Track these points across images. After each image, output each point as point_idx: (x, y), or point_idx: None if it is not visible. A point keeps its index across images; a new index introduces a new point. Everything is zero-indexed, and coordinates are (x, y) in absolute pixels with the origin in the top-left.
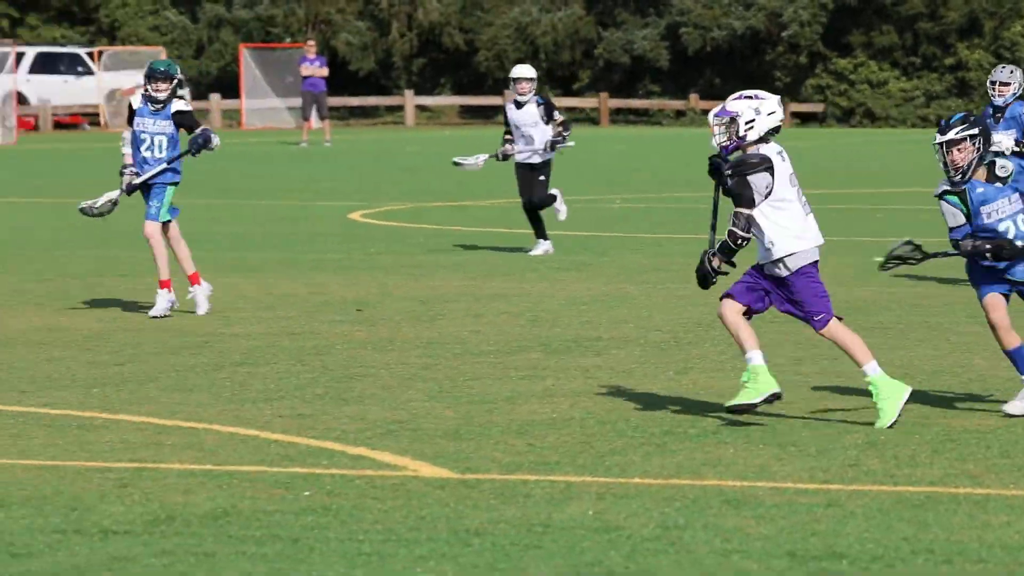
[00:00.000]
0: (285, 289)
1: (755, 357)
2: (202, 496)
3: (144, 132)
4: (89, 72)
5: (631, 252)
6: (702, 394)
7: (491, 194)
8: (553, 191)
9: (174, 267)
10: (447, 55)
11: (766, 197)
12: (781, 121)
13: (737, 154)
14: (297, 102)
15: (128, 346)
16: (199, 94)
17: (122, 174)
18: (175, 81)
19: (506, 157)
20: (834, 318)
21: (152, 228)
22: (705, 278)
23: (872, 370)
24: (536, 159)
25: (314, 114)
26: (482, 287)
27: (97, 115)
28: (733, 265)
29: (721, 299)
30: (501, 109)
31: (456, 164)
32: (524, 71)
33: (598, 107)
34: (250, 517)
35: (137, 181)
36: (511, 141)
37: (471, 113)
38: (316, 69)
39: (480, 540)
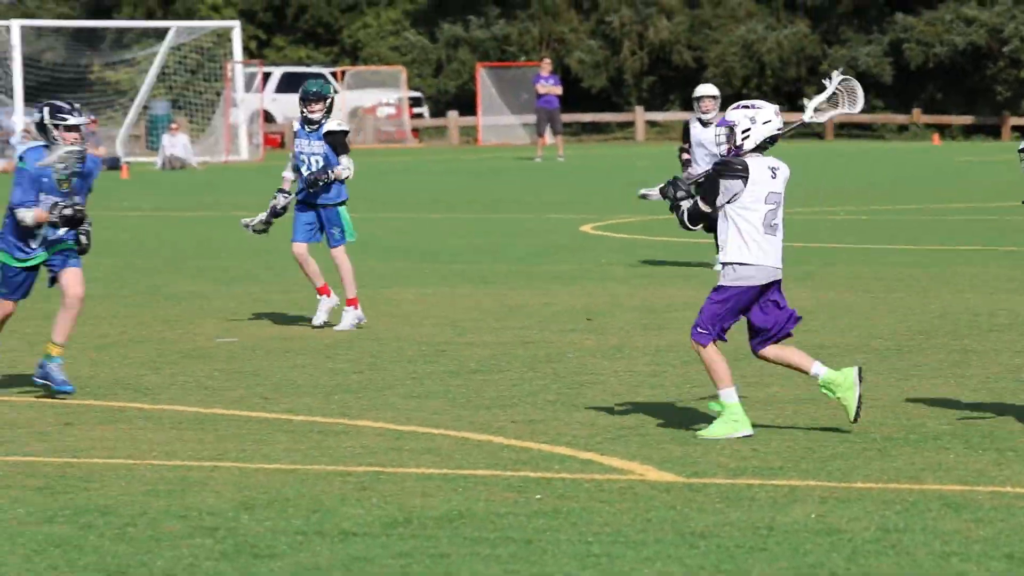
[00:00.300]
0: (519, 299)
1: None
2: (438, 499)
3: (302, 153)
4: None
5: (855, 262)
6: (922, 400)
7: None
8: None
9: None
10: (676, 72)
11: (729, 201)
12: (779, 130)
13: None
14: (531, 119)
15: (367, 354)
16: (437, 111)
17: (275, 197)
18: (328, 101)
19: (698, 183)
20: (709, 346)
21: (337, 252)
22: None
23: (728, 396)
24: None
25: (548, 130)
26: None
27: None
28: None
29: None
30: None
31: (642, 197)
32: (708, 89)
33: (823, 122)
34: (484, 519)
35: (280, 205)
36: (689, 159)
37: None
38: (550, 87)
39: (706, 542)
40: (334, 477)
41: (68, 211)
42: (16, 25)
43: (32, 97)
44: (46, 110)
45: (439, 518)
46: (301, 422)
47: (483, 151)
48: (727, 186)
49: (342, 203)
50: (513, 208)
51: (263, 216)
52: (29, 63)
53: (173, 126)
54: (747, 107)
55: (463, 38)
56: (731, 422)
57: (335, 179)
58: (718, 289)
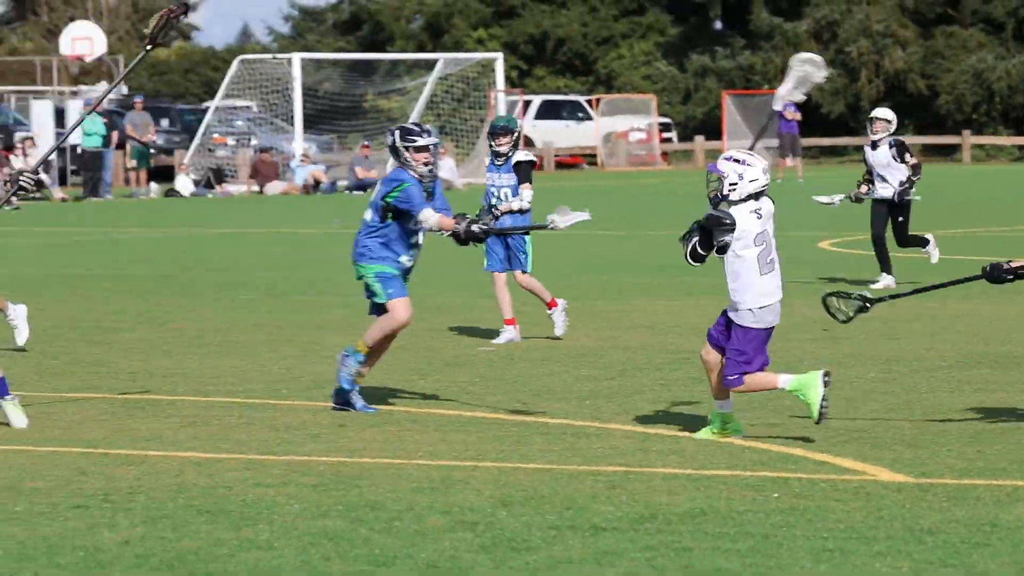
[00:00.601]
0: None
1: (726, 406)
2: (682, 497)
3: (492, 186)
4: (588, 118)
5: None
6: None
7: (955, 224)
8: (927, 235)
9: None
10: (910, 99)
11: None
12: (764, 187)
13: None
14: (774, 143)
15: (618, 362)
16: (685, 136)
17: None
18: (515, 135)
19: (859, 199)
20: (743, 381)
21: (525, 278)
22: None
23: (784, 382)
24: (889, 195)
25: (789, 153)
26: (939, 308)
27: (595, 156)
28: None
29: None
30: (958, 148)
31: (817, 201)
32: (879, 112)
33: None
34: (725, 516)
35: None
36: (870, 180)
37: (932, 151)
38: (792, 113)
39: (933, 538)
40: (586, 476)
41: (476, 228)
42: (297, 58)
43: (311, 124)
44: (396, 133)
45: (683, 514)
46: (556, 425)
47: None
48: (720, 240)
49: (527, 232)
50: None
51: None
52: (308, 93)
53: (440, 150)
54: (738, 161)
55: (710, 68)
56: (810, 390)
57: (510, 210)
58: (745, 331)
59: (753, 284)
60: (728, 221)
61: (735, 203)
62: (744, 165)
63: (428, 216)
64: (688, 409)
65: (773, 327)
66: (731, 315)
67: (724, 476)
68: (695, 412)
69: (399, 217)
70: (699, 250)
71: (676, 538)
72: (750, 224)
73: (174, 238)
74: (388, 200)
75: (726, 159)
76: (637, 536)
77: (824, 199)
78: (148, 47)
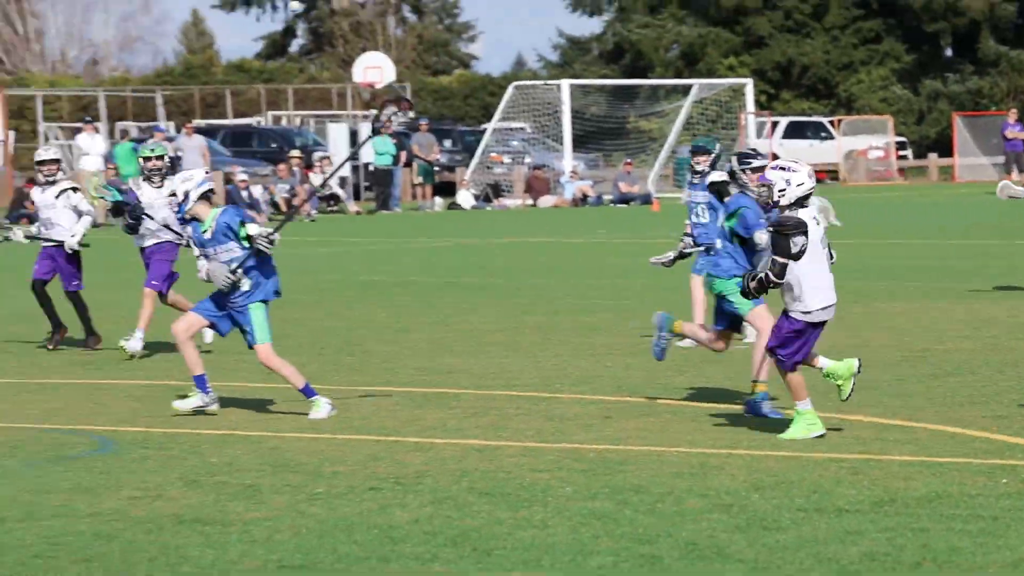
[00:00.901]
0: (990, 312)
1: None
2: (919, 482)
3: (692, 202)
4: (830, 137)
5: None
6: None
7: None
8: None
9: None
10: None
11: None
12: (811, 190)
13: (776, 213)
14: (1000, 159)
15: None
16: (919, 153)
17: (682, 240)
18: (712, 155)
19: None
20: (786, 369)
21: (697, 281)
22: (746, 295)
23: (804, 406)
24: None
25: (1015, 168)
26: None
27: (836, 172)
28: (762, 297)
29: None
30: None
31: (1008, 193)
32: None
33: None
34: (957, 500)
35: (685, 249)
36: None
37: None
38: (1017, 132)
39: None
40: (830, 463)
41: (764, 233)
42: (566, 84)
43: (578, 144)
44: (734, 159)
45: (919, 498)
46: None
47: (959, 187)
48: (795, 241)
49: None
50: (984, 235)
51: (671, 255)
52: (576, 115)
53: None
54: (784, 168)
55: (942, 92)
56: (807, 425)
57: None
58: (789, 317)
59: (819, 285)
60: (793, 223)
61: (786, 208)
62: (790, 172)
63: (760, 237)
64: (922, 401)
65: (823, 323)
66: (790, 309)
67: (956, 463)
68: (928, 404)
69: (744, 242)
70: (780, 260)
71: (913, 520)
72: (813, 228)
73: (456, 247)
74: (728, 227)
75: (773, 168)
76: (877, 518)
77: (1018, 189)
78: (371, 134)
